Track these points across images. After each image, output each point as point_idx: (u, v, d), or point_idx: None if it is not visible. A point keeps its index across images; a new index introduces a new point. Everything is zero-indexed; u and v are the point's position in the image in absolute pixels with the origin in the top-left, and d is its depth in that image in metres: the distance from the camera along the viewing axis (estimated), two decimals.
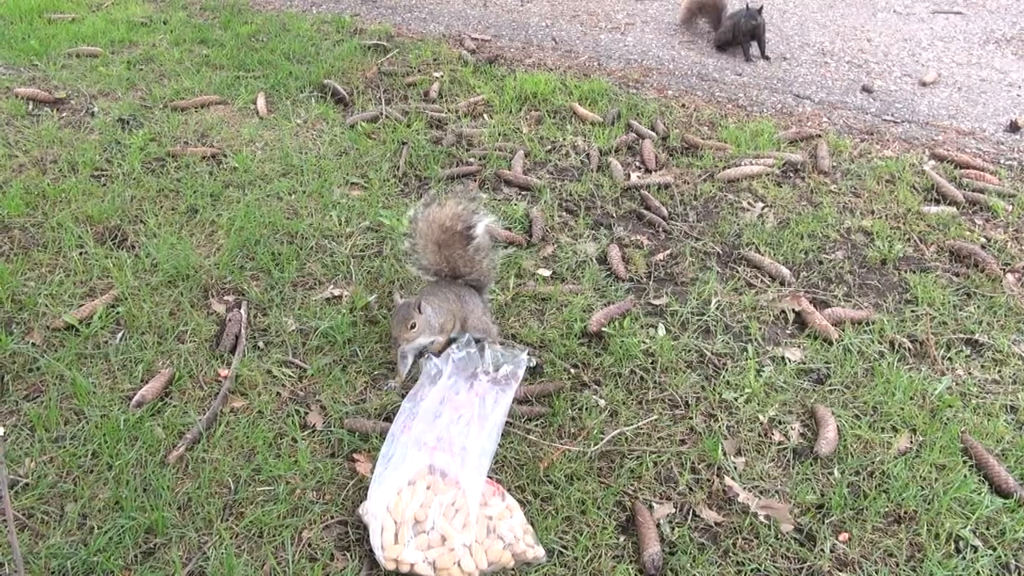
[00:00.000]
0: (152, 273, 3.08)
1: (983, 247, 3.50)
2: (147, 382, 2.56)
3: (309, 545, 2.11)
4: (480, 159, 4.08)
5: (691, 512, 2.27)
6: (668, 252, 3.44)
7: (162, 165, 3.86)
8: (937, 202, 3.87)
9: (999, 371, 2.85)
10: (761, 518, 2.23)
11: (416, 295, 2.69)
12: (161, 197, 3.59)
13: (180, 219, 3.44)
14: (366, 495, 2.19)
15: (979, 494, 2.31)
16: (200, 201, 3.54)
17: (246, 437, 2.40)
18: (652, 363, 2.79)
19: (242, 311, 2.89)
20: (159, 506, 2.15)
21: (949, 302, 3.16)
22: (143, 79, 4.78)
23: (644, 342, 2.87)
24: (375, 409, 2.54)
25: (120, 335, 2.78)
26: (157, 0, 6.41)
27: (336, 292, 3.05)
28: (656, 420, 2.56)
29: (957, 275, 3.34)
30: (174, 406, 2.50)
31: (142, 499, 2.17)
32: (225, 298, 3.00)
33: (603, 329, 2.90)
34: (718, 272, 3.30)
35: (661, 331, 2.95)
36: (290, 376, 2.66)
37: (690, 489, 2.34)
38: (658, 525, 2.20)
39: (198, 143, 4.09)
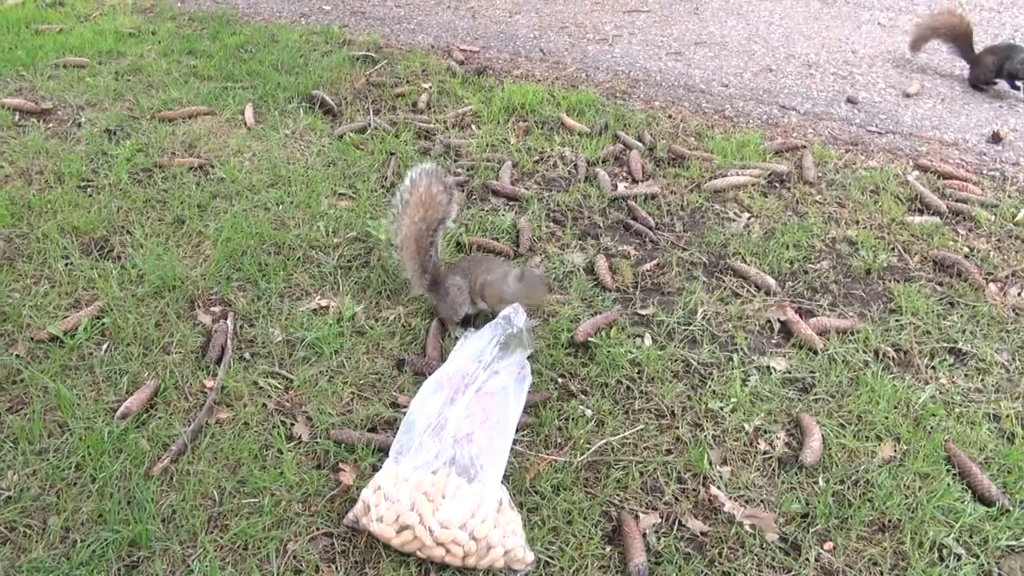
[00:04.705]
0: (138, 284, 3.07)
1: (966, 257, 3.54)
2: (132, 394, 2.55)
3: (294, 557, 2.10)
4: (468, 170, 4.09)
5: (677, 522, 2.27)
6: (655, 262, 3.46)
7: (149, 176, 3.86)
8: (921, 212, 3.91)
9: (982, 380, 2.87)
10: (746, 527, 2.24)
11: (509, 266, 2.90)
12: (148, 208, 3.58)
13: (167, 230, 3.43)
14: (352, 506, 2.19)
15: (962, 502, 2.33)
16: (187, 212, 3.53)
17: (231, 449, 2.39)
18: (638, 373, 2.80)
19: (228, 322, 2.89)
20: (143, 519, 2.14)
21: (933, 311, 3.19)
22: (131, 90, 4.78)
23: (630, 352, 2.88)
24: (361, 420, 2.53)
25: (105, 347, 2.77)
26: (145, 11, 6.41)
27: (323, 303, 3.05)
28: (642, 430, 2.57)
29: (941, 284, 3.37)
30: (159, 418, 2.49)
31: (126, 512, 2.16)
32: (211, 309, 3.00)
33: (590, 339, 2.90)
34: (704, 282, 3.32)
35: (647, 341, 2.96)
36: (276, 387, 2.65)
37: (676, 499, 2.34)
38: (644, 535, 2.20)
39: (185, 154, 4.09)
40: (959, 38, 5.54)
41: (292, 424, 2.51)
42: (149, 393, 2.55)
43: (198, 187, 3.76)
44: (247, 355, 2.78)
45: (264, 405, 2.58)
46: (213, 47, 5.52)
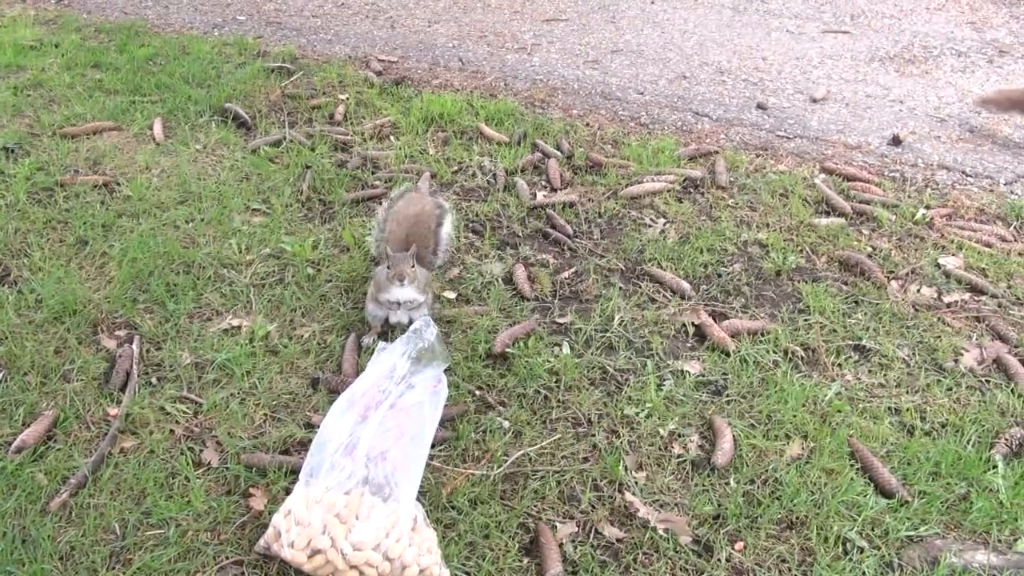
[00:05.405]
0: (36, 310, 2.94)
1: (869, 256, 3.68)
2: (29, 426, 2.44)
3: None
4: (386, 182, 4.06)
5: (593, 530, 2.29)
6: (573, 270, 3.49)
7: (50, 195, 3.70)
8: (827, 214, 4.05)
9: (884, 375, 2.99)
10: (661, 532, 2.27)
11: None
12: (48, 229, 3.44)
13: (68, 252, 3.30)
14: (263, 532, 2.14)
15: (865, 496, 2.41)
16: (90, 232, 3.40)
17: (136, 479, 2.30)
18: (556, 382, 2.82)
19: (134, 346, 2.79)
20: (39, 558, 2.04)
21: (839, 310, 3.30)
22: (31, 105, 4.58)
23: (548, 361, 2.89)
24: (274, 442, 2.48)
25: (0, 377, 2.64)
26: (48, 23, 6.17)
27: (235, 322, 2.98)
28: (559, 439, 2.58)
29: (846, 284, 3.49)
30: (58, 450, 2.38)
31: (20, 552, 2.06)
32: (116, 333, 2.89)
33: (507, 350, 2.91)
34: (621, 288, 3.37)
35: (565, 349, 2.98)
36: (184, 412, 2.57)
37: (592, 507, 2.36)
38: (561, 545, 2.21)
39: (90, 171, 3.94)
40: None
41: (201, 450, 2.43)
42: (47, 424, 2.44)
43: (103, 206, 3.63)
44: (154, 380, 2.69)
45: (171, 431, 2.49)
46: (120, 60, 5.35)
